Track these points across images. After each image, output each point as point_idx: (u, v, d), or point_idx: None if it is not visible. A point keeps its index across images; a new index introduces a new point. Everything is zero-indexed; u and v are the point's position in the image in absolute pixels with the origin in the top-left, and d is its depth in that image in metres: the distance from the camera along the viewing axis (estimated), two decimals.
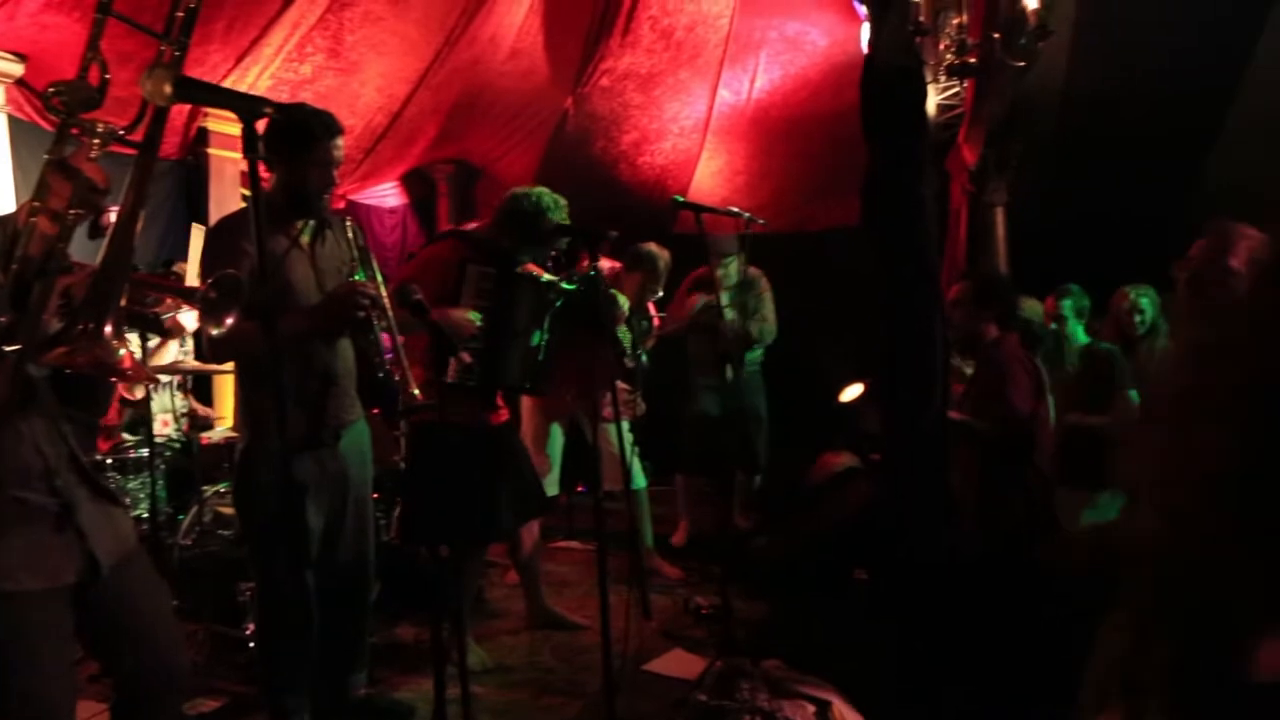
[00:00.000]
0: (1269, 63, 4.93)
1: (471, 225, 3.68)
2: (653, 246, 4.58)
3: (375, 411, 2.97)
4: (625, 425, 4.52)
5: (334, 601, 2.77)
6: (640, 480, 4.56)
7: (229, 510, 3.64)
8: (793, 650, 3.27)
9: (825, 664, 3.13)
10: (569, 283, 3.48)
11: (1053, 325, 4.53)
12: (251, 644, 3.32)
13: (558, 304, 3.43)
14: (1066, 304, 4.48)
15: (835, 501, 4.57)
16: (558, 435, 4.43)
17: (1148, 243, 5.70)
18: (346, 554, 2.79)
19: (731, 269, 5.06)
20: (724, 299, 4.84)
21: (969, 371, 3.80)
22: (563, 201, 3.38)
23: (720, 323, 4.57)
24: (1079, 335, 4.45)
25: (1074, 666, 1.98)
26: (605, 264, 4.67)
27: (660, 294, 4.74)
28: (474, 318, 3.15)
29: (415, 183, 6.81)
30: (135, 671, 2.07)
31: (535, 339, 3.39)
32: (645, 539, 4.72)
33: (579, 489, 5.35)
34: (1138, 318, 4.18)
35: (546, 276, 3.47)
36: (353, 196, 6.43)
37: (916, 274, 3.08)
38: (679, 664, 3.49)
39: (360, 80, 5.48)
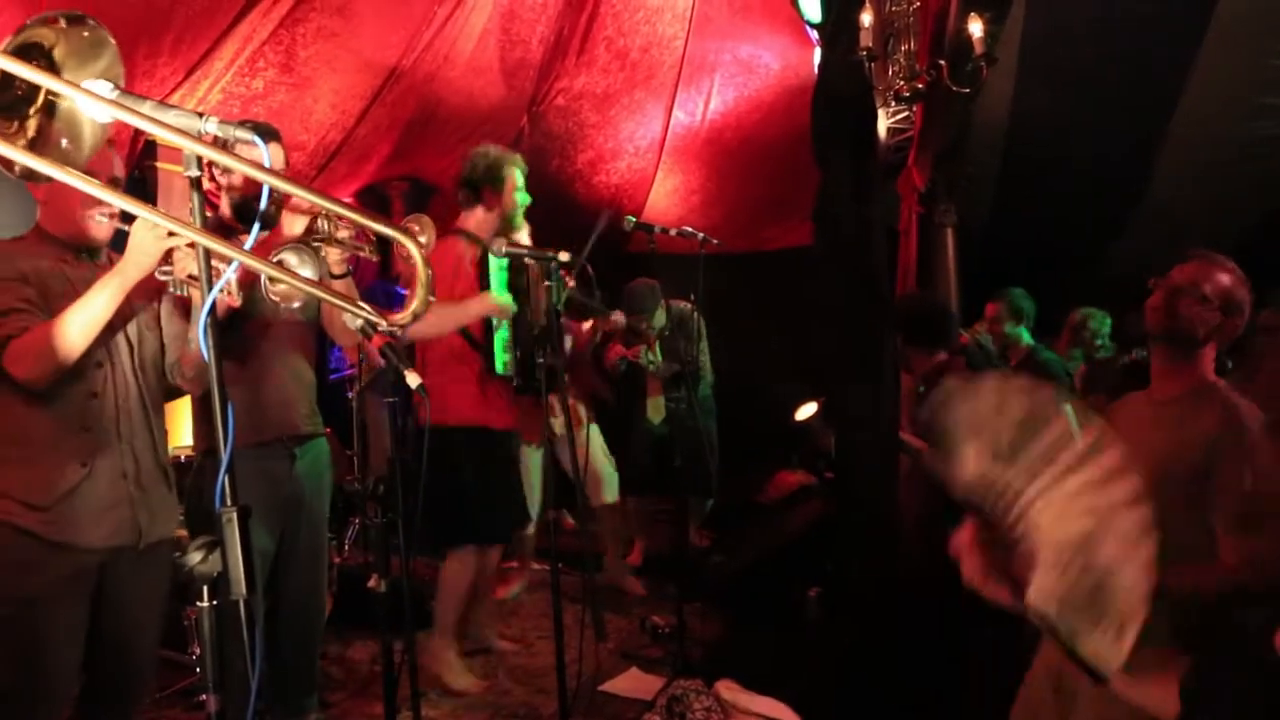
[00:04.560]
0: (1203, 88, 5.10)
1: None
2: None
3: (329, 431, 2.94)
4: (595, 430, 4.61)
5: (285, 625, 2.73)
6: (612, 492, 4.58)
7: (177, 531, 3.55)
8: (747, 669, 3.28)
9: (780, 683, 3.15)
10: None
11: (980, 337, 4.52)
12: (197, 669, 3.25)
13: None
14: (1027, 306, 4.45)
15: (790, 519, 4.60)
16: (535, 459, 4.37)
17: (1092, 262, 5.89)
18: (299, 577, 2.76)
19: (657, 318, 5.06)
20: (648, 356, 4.96)
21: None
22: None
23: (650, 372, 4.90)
24: (1024, 337, 4.46)
25: (1014, 683, 2.02)
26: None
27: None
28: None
29: (369, 200, 6.76)
30: (108, 675, 2.23)
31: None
32: (617, 553, 4.76)
33: None
34: (1099, 341, 4.27)
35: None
36: None
37: (865, 295, 3.13)
38: (635, 684, 3.48)
39: (313, 96, 5.43)
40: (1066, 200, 5.66)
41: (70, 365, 2.02)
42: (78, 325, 2.00)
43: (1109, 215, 5.78)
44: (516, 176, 3.57)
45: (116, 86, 1.23)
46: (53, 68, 1.27)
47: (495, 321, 3.40)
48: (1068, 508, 1.11)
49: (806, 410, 4.80)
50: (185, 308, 2.34)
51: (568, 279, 4.05)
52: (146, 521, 2.19)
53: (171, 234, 2.03)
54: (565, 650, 2.78)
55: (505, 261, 3.37)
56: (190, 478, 2.67)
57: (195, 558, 1.39)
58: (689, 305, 4.99)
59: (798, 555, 4.23)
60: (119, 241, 2.17)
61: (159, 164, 5.20)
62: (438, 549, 3.56)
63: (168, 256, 2.08)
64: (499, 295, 3.35)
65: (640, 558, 5.16)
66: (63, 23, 1.26)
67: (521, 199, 3.59)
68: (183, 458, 3.75)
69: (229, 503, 1.36)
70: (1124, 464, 1.09)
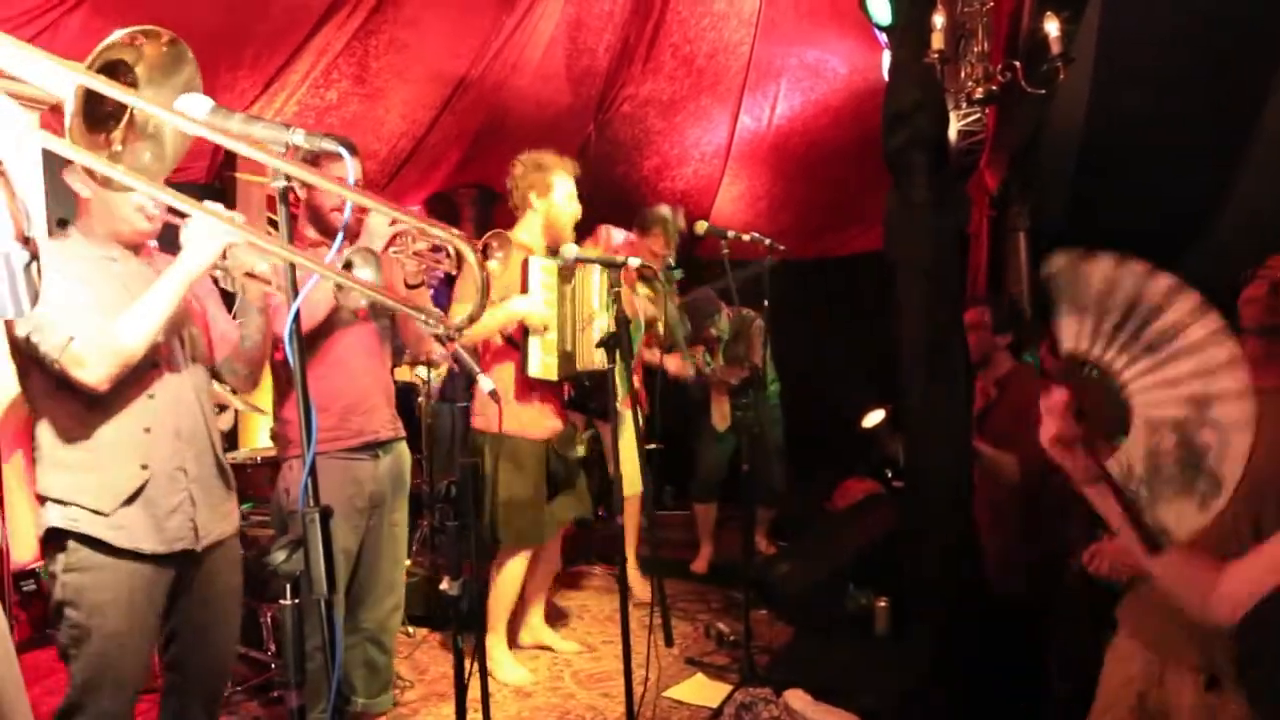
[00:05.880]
0: None
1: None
2: (664, 208, 4.65)
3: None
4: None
5: (360, 624, 2.79)
6: (637, 484, 4.47)
7: (255, 531, 3.66)
8: (814, 679, 3.25)
9: (848, 693, 3.11)
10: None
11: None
12: (274, 665, 3.33)
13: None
14: None
15: (857, 528, 4.54)
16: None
17: (1171, 267, 5.71)
18: (376, 577, 2.81)
19: (721, 325, 5.08)
20: (704, 358, 4.98)
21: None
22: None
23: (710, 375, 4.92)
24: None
25: (1088, 697, 1.97)
26: (619, 234, 4.60)
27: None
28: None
29: (439, 206, 6.87)
30: (184, 663, 2.25)
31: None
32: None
33: (599, 513, 5.35)
34: None
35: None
36: None
37: (937, 299, 3.07)
38: (701, 691, 3.47)
39: (385, 106, 5.55)
40: (1144, 203, 5.49)
41: (134, 364, 2.01)
42: (142, 322, 1.99)
43: (1188, 220, 5.59)
44: (564, 182, 3.52)
45: (216, 106, 1.27)
46: (136, 84, 1.31)
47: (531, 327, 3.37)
48: (1167, 394, 1.20)
49: (874, 417, 4.73)
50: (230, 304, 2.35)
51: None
52: (204, 521, 2.17)
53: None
54: (631, 655, 2.78)
55: (554, 268, 3.36)
56: (278, 478, 2.74)
57: (279, 556, 1.42)
58: (752, 311, 4.99)
59: (865, 564, 4.18)
60: (164, 237, 2.19)
61: (239, 174, 5.38)
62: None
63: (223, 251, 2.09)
64: (533, 302, 3.30)
65: (706, 565, 5.15)
66: (143, 39, 1.30)
67: (571, 209, 3.54)
68: (259, 459, 3.87)
69: (311, 503, 1.39)
70: (1235, 357, 1.17)
